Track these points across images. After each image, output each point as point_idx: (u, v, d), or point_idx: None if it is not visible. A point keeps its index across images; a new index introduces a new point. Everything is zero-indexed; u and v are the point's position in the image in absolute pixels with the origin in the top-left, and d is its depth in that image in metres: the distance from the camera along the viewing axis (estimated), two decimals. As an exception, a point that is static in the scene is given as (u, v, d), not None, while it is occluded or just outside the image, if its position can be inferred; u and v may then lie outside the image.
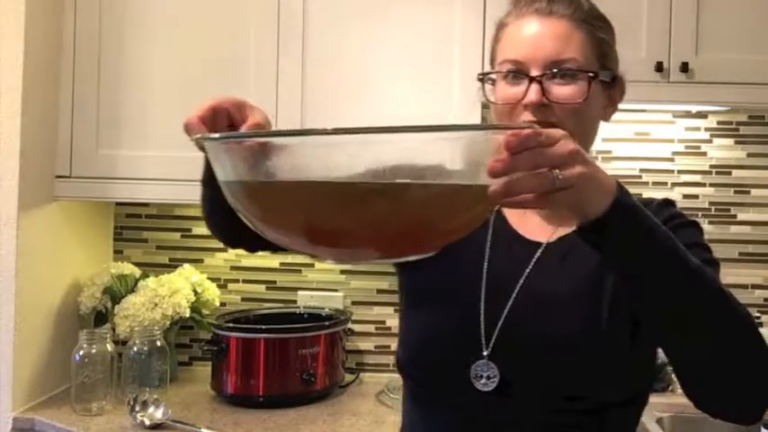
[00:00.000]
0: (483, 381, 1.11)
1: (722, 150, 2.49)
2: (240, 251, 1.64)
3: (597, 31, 1.15)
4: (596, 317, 1.10)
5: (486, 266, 1.18)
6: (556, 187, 0.78)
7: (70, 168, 2.28)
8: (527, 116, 1.10)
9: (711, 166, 2.50)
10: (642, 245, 0.87)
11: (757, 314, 2.37)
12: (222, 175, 0.78)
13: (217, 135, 0.78)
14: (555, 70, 1.11)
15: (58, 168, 2.28)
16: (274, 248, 1.04)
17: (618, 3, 2.12)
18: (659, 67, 2.11)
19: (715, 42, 2.13)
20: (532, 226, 1.21)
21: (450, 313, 1.17)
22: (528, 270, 1.16)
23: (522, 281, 1.16)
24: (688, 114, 2.48)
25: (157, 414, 2.03)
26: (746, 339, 0.92)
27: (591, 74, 1.12)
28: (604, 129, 2.73)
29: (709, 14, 2.13)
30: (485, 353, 1.12)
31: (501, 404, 1.11)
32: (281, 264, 2.59)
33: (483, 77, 1.19)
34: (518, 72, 1.13)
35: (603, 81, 1.16)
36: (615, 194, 0.84)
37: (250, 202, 0.77)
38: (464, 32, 2.14)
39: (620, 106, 2.61)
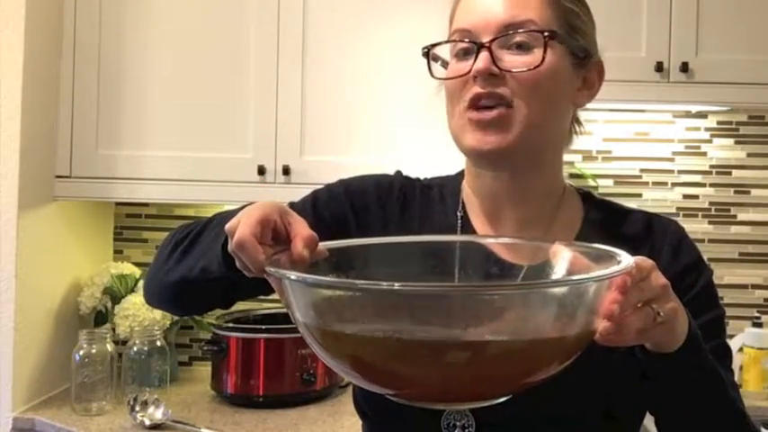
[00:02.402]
0: (457, 431, 1.00)
1: (722, 150, 2.49)
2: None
3: None
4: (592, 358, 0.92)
5: None
6: (657, 323, 0.78)
7: (70, 168, 2.28)
8: (475, 89, 0.97)
9: (711, 166, 2.50)
10: (698, 379, 0.89)
11: (757, 314, 2.36)
12: (296, 310, 0.76)
13: (293, 275, 0.73)
14: (509, 34, 0.97)
15: (58, 168, 2.27)
16: (225, 307, 1.02)
17: (618, 3, 2.13)
18: (659, 67, 2.11)
19: (715, 42, 2.13)
20: (508, 243, 0.99)
21: None
22: None
23: None
24: (688, 114, 2.48)
25: (157, 414, 2.03)
26: None
27: (547, 33, 0.96)
28: (604, 129, 2.73)
29: (709, 14, 2.13)
30: None
31: None
32: (281, 264, 2.59)
33: (428, 52, 1.03)
34: (468, 42, 0.99)
35: (574, 55, 1.00)
36: (690, 326, 0.85)
37: (319, 342, 0.75)
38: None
39: (620, 106, 2.61)
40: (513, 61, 0.97)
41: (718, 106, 2.35)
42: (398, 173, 1.14)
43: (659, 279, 0.78)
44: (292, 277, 0.73)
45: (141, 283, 2.39)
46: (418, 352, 0.69)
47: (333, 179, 1.13)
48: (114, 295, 2.38)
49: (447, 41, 1.02)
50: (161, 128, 2.27)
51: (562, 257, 0.83)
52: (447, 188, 1.11)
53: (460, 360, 0.69)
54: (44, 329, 2.27)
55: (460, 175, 1.11)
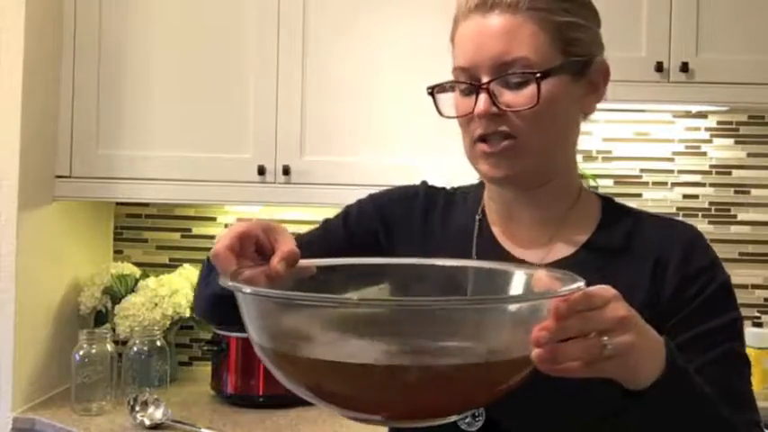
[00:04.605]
0: (468, 420, 1.01)
1: (722, 150, 2.49)
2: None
3: (554, 15, 1.00)
4: None
5: None
6: (604, 356, 0.74)
7: (70, 168, 2.28)
8: (479, 129, 1.00)
9: (711, 166, 2.50)
10: (686, 411, 0.86)
11: (757, 314, 2.37)
12: (249, 326, 0.77)
13: (249, 289, 0.74)
14: (507, 74, 0.99)
15: (58, 168, 2.28)
16: None
17: (618, 3, 2.13)
18: (659, 67, 2.11)
19: (715, 42, 2.13)
20: (521, 242, 1.07)
21: None
22: None
23: None
24: (688, 114, 2.48)
25: (157, 414, 2.03)
26: None
27: (539, 74, 0.97)
28: (604, 129, 2.73)
29: (709, 14, 2.13)
30: None
31: None
32: (281, 264, 2.59)
33: (433, 92, 1.05)
34: (468, 80, 1.01)
35: (573, 72, 1.01)
36: (666, 359, 0.82)
37: (272, 361, 0.76)
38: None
39: (620, 106, 2.61)
40: (512, 99, 0.99)
41: (718, 106, 2.35)
42: (424, 183, 1.18)
43: (617, 311, 0.75)
44: (246, 291, 0.74)
45: (141, 284, 2.40)
46: (363, 374, 0.70)
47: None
48: (114, 295, 2.38)
49: (449, 82, 1.05)
50: (161, 128, 2.27)
51: (536, 280, 0.84)
52: (471, 194, 1.14)
53: (406, 382, 0.69)
54: (44, 329, 2.27)
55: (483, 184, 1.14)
